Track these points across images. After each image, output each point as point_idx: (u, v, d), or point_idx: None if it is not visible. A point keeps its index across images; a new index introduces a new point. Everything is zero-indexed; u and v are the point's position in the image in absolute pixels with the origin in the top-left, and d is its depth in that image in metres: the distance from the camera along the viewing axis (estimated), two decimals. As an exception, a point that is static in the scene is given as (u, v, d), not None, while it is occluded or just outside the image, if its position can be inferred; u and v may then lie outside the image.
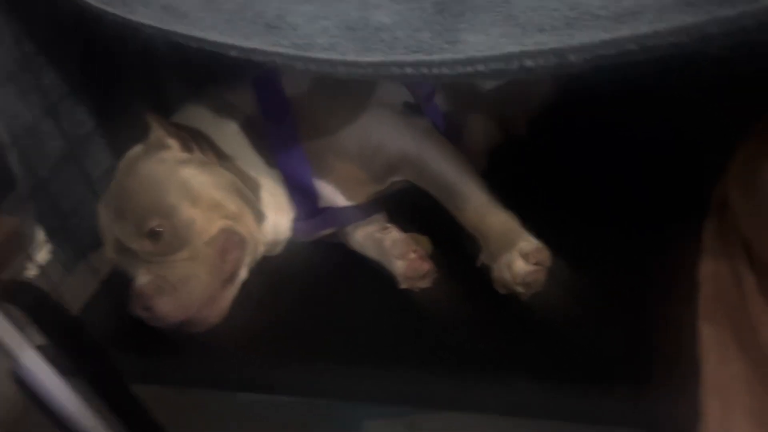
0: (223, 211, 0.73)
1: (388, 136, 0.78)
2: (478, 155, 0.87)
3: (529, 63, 0.48)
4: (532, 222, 0.71)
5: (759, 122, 0.71)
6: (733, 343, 0.51)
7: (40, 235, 0.75)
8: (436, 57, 0.51)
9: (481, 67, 0.50)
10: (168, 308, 0.69)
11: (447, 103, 0.87)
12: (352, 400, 0.69)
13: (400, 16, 0.55)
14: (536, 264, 0.67)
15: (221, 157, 0.77)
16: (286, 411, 0.91)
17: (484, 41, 0.50)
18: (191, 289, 0.70)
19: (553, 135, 0.91)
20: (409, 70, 0.52)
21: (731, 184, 0.64)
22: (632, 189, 0.78)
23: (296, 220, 0.80)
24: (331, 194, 0.80)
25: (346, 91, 0.80)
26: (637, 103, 0.89)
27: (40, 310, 0.60)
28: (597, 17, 0.49)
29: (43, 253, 0.76)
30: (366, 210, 0.81)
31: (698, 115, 0.83)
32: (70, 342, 0.61)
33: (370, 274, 0.78)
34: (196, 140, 0.76)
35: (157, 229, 0.70)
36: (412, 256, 0.73)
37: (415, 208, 0.81)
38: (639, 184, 0.78)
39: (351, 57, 0.53)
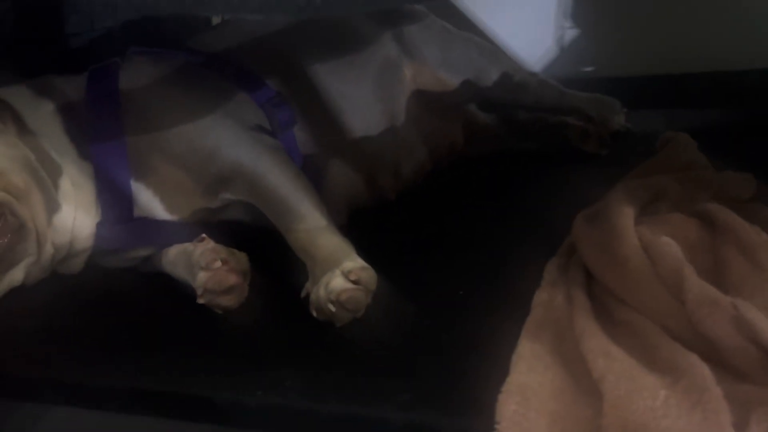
0: (3, 183, 0.61)
1: (224, 142, 0.69)
2: (338, 207, 0.79)
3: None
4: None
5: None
6: (549, 356, 0.43)
7: None
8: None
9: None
10: None
11: (309, 143, 0.80)
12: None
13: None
14: (356, 282, 0.57)
15: (23, 131, 0.66)
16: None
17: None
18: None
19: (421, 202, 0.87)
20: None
21: (579, 222, 0.59)
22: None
23: (102, 224, 0.68)
24: (150, 201, 0.69)
25: (188, 94, 0.72)
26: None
27: None
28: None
29: None
30: (188, 229, 0.70)
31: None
32: None
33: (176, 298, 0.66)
34: (-4, 109, 0.66)
35: None
36: (218, 265, 0.61)
37: (247, 240, 0.71)
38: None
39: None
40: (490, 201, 0.83)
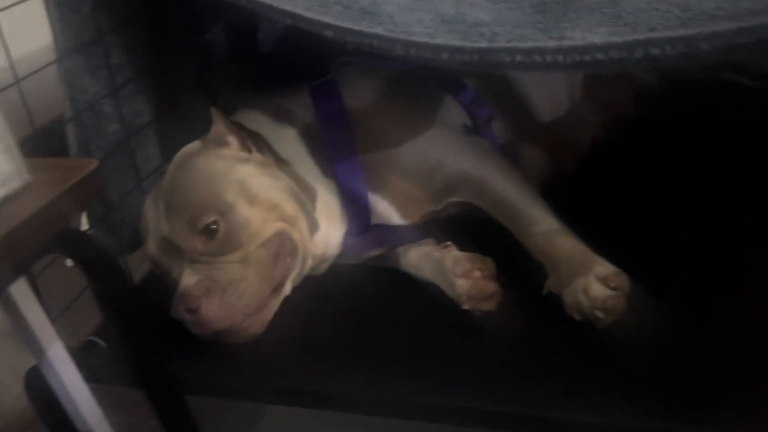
0: (280, 214, 0.69)
1: (448, 154, 0.75)
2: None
3: (655, 51, 0.46)
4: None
5: None
6: None
7: (83, 221, 0.70)
8: (551, 44, 0.49)
9: (600, 56, 0.48)
10: (214, 312, 0.64)
11: (504, 132, 0.85)
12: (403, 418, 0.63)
13: (499, 14, 0.54)
14: (615, 288, 0.63)
15: (278, 161, 0.74)
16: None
17: (592, 38, 0.49)
18: (241, 293, 0.65)
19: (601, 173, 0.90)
20: (519, 57, 0.50)
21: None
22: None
23: (347, 234, 0.76)
24: (385, 210, 0.76)
25: (407, 107, 0.78)
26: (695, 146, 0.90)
27: (98, 268, 0.52)
28: (714, 17, 0.48)
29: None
30: (418, 231, 0.77)
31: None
32: (126, 314, 0.53)
33: (420, 297, 0.73)
34: (254, 141, 0.73)
35: (212, 227, 0.66)
36: (477, 274, 0.68)
37: (465, 233, 0.77)
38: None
39: (456, 42, 0.51)
40: (675, 170, 0.84)
